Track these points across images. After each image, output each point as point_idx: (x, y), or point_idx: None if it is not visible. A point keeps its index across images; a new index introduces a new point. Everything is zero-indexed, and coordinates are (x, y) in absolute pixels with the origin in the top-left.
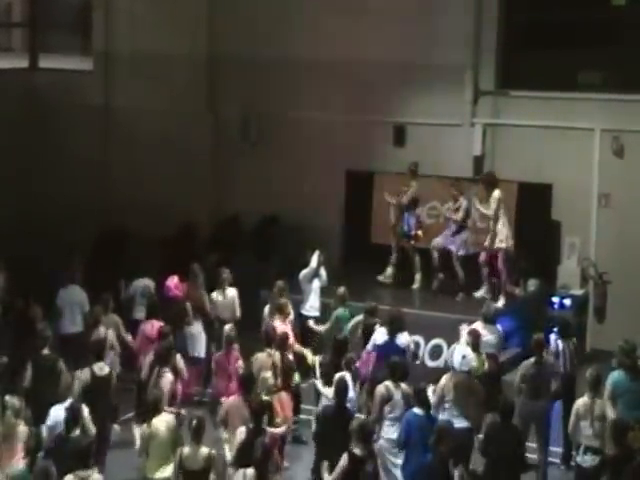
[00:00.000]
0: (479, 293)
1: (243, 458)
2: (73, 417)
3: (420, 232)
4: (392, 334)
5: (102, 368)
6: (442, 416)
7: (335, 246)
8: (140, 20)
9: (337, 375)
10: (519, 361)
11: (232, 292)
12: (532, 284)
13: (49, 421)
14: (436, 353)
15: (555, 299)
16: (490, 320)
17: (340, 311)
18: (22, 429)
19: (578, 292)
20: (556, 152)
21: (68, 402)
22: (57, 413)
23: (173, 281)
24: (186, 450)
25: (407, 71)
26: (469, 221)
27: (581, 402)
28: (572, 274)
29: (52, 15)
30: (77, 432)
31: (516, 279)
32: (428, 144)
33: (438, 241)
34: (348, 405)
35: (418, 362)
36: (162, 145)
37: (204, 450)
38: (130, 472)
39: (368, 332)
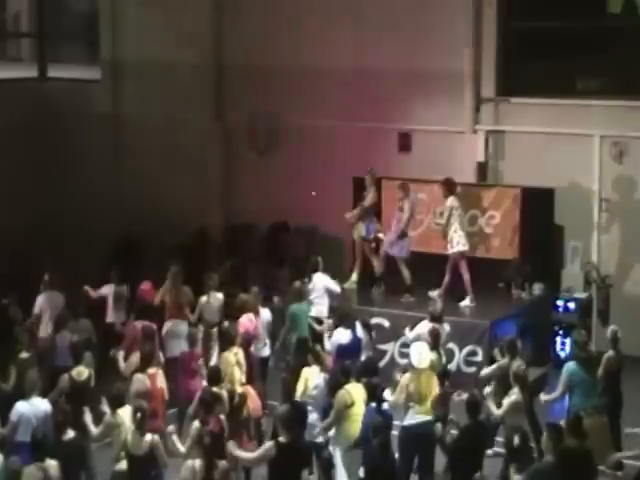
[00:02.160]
0: (434, 293)
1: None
2: (62, 420)
3: (381, 235)
4: (352, 329)
5: (80, 373)
6: (408, 414)
7: (344, 250)
8: (146, 29)
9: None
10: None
11: (219, 296)
12: (537, 288)
13: (13, 417)
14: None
15: (560, 302)
16: (437, 318)
17: (295, 307)
18: None
19: (582, 295)
20: (557, 157)
21: (34, 399)
22: (21, 409)
23: (147, 286)
24: (130, 436)
25: (410, 79)
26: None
27: (514, 398)
28: (575, 277)
29: (60, 25)
30: (70, 435)
31: (521, 283)
32: (432, 150)
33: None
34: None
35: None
36: (171, 153)
37: (148, 437)
38: None
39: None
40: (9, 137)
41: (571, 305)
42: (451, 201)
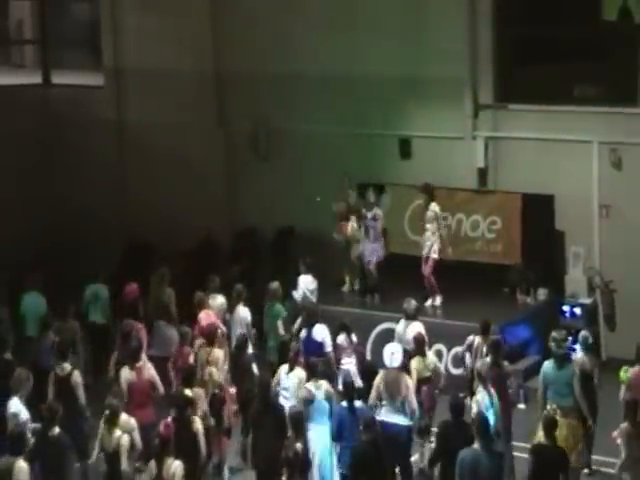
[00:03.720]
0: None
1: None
2: (51, 417)
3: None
4: (309, 328)
5: (64, 368)
6: (380, 413)
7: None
8: (148, 36)
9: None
10: (538, 368)
11: (220, 298)
12: (542, 293)
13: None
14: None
15: (566, 308)
16: (412, 317)
17: (269, 306)
18: None
19: (587, 301)
20: (556, 164)
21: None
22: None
23: (131, 287)
24: (102, 434)
25: (410, 86)
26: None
27: (480, 397)
28: (579, 283)
29: (63, 32)
30: (56, 431)
31: (526, 289)
32: (433, 157)
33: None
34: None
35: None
36: (174, 159)
37: (117, 434)
38: None
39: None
40: (13, 143)
41: (577, 310)
42: (435, 207)
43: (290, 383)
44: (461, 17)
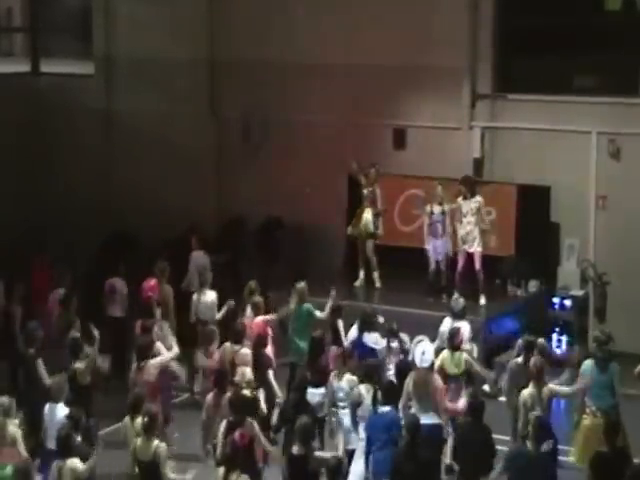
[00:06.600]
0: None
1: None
2: (74, 425)
3: (380, 231)
4: (360, 332)
5: (75, 368)
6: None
7: (338, 247)
8: (140, 24)
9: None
10: None
11: (212, 294)
12: (533, 285)
13: (54, 419)
14: None
15: (556, 300)
16: (458, 315)
17: (297, 308)
18: (12, 429)
19: (578, 293)
20: (553, 155)
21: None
22: (60, 413)
23: (149, 283)
24: (139, 442)
25: (406, 75)
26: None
27: (527, 393)
28: (572, 275)
29: (53, 20)
30: (77, 439)
31: (517, 281)
32: (428, 147)
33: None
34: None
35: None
36: (165, 148)
37: (154, 443)
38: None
39: (333, 330)
40: (1, 132)
41: (567, 302)
42: (479, 198)
43: (342, 390)
44: (461, 5)
